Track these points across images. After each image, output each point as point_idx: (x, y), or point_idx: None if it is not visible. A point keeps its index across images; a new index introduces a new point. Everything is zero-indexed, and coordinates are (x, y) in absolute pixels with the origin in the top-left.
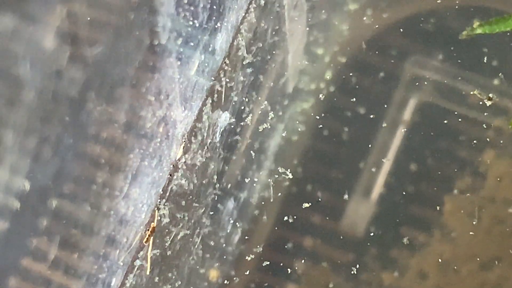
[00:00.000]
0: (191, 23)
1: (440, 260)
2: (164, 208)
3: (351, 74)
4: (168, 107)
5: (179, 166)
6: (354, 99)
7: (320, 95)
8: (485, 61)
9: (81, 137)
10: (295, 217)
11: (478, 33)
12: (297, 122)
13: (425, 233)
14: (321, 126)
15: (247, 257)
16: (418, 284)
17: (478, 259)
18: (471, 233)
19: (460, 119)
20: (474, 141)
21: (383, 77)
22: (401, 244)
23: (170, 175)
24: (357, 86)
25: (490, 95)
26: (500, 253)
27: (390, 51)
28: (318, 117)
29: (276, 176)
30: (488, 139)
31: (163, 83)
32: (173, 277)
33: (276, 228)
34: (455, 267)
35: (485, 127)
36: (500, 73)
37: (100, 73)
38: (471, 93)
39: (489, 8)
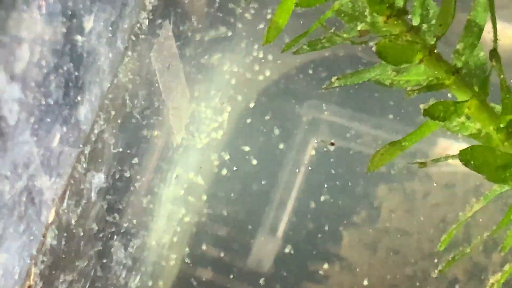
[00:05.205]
0: (43, 102)
1: None
2: (40, 267)
3: (246, 121)
4: (30, 177)
5: (53, 228)
6: (249, 149)
7: (217, 145)
8: (376, 102)
9: None
10: (197, 257)
11: (336, 86)
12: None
13: (328, 265)
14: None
15: None
16: None
17: None
18: (368, 263)
19: (354, 156)
20: (369, 177)
21: (280, 122)
22: (306, 277)
23: (43, 237)
24: (253, 133)
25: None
26: (396, 282)
27: (285, 96)
28: (216, 161)
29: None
30: (381, 174)
31: (18, 159)
32: None
33: (180, 267)
34: None
35: None
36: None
37: None
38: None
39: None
